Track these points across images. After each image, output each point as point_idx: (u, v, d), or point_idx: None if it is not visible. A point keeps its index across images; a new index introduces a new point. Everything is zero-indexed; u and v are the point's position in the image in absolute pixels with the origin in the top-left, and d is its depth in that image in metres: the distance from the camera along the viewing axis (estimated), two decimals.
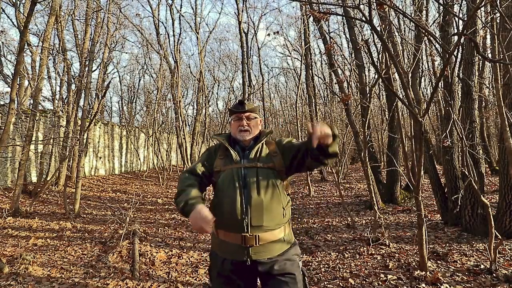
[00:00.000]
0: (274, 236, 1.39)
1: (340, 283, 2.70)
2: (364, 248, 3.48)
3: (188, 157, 11.81)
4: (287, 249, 1.43)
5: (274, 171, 1.45)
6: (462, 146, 3.11)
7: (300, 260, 1.47)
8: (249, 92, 13.98)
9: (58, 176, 8.31)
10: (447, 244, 3.45)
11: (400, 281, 2.62)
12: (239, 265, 1.38)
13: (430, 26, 5.27)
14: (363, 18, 2.32)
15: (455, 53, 2.71)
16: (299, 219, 5.47)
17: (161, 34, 12.91)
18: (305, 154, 1.38)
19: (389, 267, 2.92)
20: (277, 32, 7.50)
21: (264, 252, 1.37)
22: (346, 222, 4.90)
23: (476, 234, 3.62)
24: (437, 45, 4.39)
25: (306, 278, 1.47)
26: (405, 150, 3.76)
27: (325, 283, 2.75)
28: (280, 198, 1.41)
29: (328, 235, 4.25)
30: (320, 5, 2.74)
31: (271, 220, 1.38)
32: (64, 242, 4.16)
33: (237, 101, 1.61)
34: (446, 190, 4.38)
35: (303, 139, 9.26)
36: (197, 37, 12.12)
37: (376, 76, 4.46)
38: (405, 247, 3.47)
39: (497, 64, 2.80)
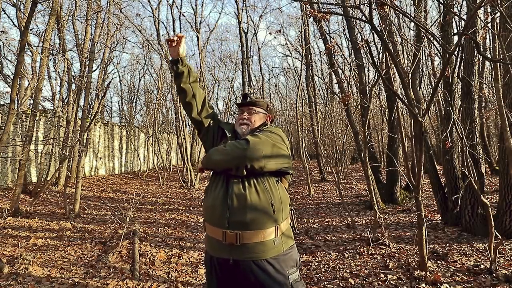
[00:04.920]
0: (260, 237, 1.25)
1: (340, 283, 2.70)
2: (364, 248, 3.48)
3: (188, 157, 11.82)
4: (278, 255, 1.28)
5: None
6: (462, 146, 3.11)
7: (294, 273, 1.30)
8: (249, 92, 13.99)
9: (58, 176, 8.31)
10: (447, 244, 3.44)
11: (400, 281, 2.62)
12: (224, 263, 1.29)
13: (430, 26, 5.27)
14: (364, 18, 2.32)
15: (455, 53, 2.71)
16: (299, 219, 5.47)
17: (162, 34, 12.93)
18: None
19: (389, 267, 2.92)
20: (279, 31, 7.51)
21: (247, 254, 1.25)
22: (346, 222, 4.90)
23: (476, 234, 3.62)
24: (437, 45, 4.39)
25: None
26: (405, 150, 3.76)
27: (325, 283, 2.75)
28: (269, 193, 1.30)
29: (328, 235, 4.25)
30: (320, 5, 2.74)
31: (256, 217, 1.25)
32: (64, 242, 4.15)
33: (242, 94, 1.61)
34: (446, 190, 4.38)
35: (303, 139, 9.28)
36: (197, 37, 12.12)
37: (376, 76, 4.46)
38: (405, 247, 3.47)
39: (498, 64, 2.79)
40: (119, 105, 31.95)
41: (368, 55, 4.93)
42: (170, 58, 1.54)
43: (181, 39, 1.48)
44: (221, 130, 1.56)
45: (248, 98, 1.57)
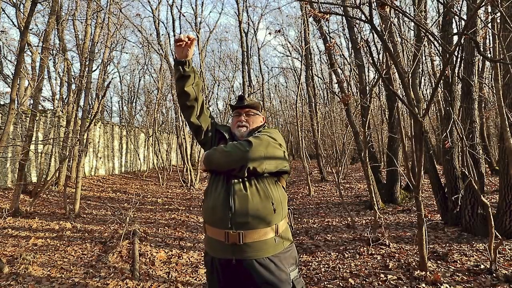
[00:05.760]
0: (262, 235, 1.28)
1: (340, 283, 2.70)
2: (364, 248, 3.48)
3: (188, 157, 11.82)
4: (279, 252, 1.31)
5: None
6: (462, 146, 3.11)
7: (294, 270, 1.34)
8: (249, 92, 13.99)
9: (58, 176, 8.30)
10: (447, 244, 3.44)
11: (400, 281, 2.62)
12: (226, 264, 1.30)
13: (430, 26, 5.27)
14: (364, 18, 2.32)
15: (455, 53, 2.71)
16: (299, 219, 5.47)
17: (162, 34, 12.93)
18: None
19: (389, 267, 2.92)
20: (279, 31, 7.50)
21: (250, 252, 1.27)
22: (346, 222, 4.90)
23: (476, 234, 3.62)
24: (437, 45, 4.39)
25: None
26: (405, 150, 3.75)
27: (325, 283, 2.75)
28: (269, 193, 1.32)
29: (328, 235, 4.25)
30: (320, 4, 2.74)
31: (258, 217, 1.28)
32: (64, 242, 4.16)
33: (237, 97, 1.59)
34: (446, 190, 4.38)
35: (303, 139, 9.27)
36: (197, 37, 12.12)
37: (377, 76, 4.47)
38: (405, 247, 3.47)
39: (498, 64, 2.79)
40: (119, 105, 31.99)
41: (368, 55, 4.94)
42: (175, 58, 1.48)
43: (192, 42, 1.42)
44: (219, 132, 1.57)
45: (244, 100, 1.57)
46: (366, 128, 4.53)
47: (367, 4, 2.19)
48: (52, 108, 9.85)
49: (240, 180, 1.33)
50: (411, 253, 3.24)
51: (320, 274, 2.97)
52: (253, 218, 1.28)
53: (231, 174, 1.34)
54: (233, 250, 1.27)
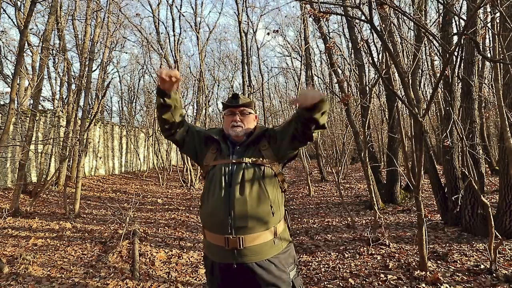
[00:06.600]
0: (261, 238, 1.28)
1: (340, 283, 2.70)
2: (364, 248, 3.48)
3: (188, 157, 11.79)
4: (278, 254, 1.32)
5: (264, 167, 1.35)
6: (462, 146, 3.11)
7: (293, 270, 1.35)
8: (249, 92, 13.98)
9: (58, 176, 8.30)
10: (447, 244, 3.44)
11: (400, 281, 2.62)
12: (227, 268, 1.30)
13: (430, 26, 5.27)
14: (364, 18, 2.32)
15: (455, 53, 2.71)
16: (299, 219, 5.47)
17: (161, 33, 12.93)
18: (295, 124, 1.29)
19: (389, 267, 2.92)
20: (277, 31, 7.47)
21: (250, 256, 1.27)
22: (346, 222, 4.90)
23: (476, 234, 3.62)
24: (437, 45, 4.39)
25: None
26: (405, 150, 3.75)
27: (325, 283, 2.75)
28: (267, 196, 1.31)
29: (328, 235, 4.25)
30: (320, 4, 2.74)
31: (257, 220, 1.28)
32: (64, 242, 4.15)
33: (231, 95, 1.52)
34: (446, 190, 4.37)
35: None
36: (197, 37, 12.12)
37: (376, 76, 4.47)
38: (405, 247, 3.47)
39: (498, 64, 2.80)
40: (119, 105, 31.96)
41: (368, 55, 4.94)
42: (158, 86, 1.38)
43: (177, 81, 1.34)
44: (204, 138, 1.51)
45: (239, 99, 1.50)
46: (366, 128, 4.53)
47: (367, 4, 2.19)
48: (52, 108, 9.85)
49: (239, 183, 1.31)
50: (411, 253, 3.24)
51: (320, 274, 2.97)
52: (252, 221, 1.27)
53: (228, 179, 1.33)
54: (234, 255, 1.27)
